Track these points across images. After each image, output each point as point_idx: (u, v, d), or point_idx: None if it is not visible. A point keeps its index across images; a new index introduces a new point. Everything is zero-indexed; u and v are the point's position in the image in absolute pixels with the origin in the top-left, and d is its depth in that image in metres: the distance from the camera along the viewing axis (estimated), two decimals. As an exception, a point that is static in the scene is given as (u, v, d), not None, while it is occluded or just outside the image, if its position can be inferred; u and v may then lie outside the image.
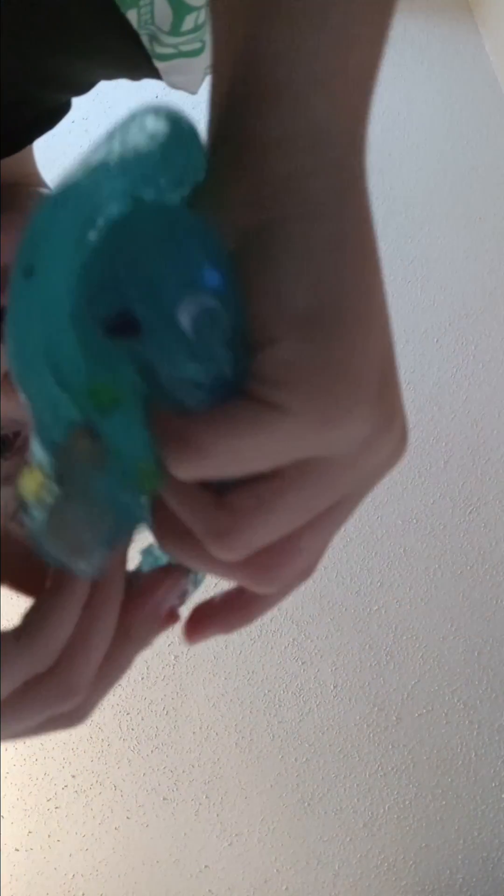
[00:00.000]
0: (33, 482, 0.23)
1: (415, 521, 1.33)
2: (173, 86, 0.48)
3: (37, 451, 0.23)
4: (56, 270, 0.21)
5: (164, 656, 1.21)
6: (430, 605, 1.28)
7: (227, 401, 0.20)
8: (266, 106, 0.21)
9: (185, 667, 1.20)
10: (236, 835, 1.15)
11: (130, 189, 0.21)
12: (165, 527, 0.24)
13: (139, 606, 0.28)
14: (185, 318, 0.20)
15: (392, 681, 1.24)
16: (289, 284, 0.20)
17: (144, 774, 1.16)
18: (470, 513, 1.34)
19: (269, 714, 1.20)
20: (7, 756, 1.14)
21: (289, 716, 1.21)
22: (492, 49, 1.66)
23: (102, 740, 1.16)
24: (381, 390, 0.21)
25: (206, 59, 0.46)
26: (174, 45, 0.44)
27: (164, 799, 1.16)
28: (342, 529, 0.25)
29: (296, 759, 1.19)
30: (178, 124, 0.21)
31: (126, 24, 0.41)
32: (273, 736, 1.20)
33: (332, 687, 1.23)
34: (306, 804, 1.18)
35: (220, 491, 0.22)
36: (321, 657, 1.24)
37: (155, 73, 0.47)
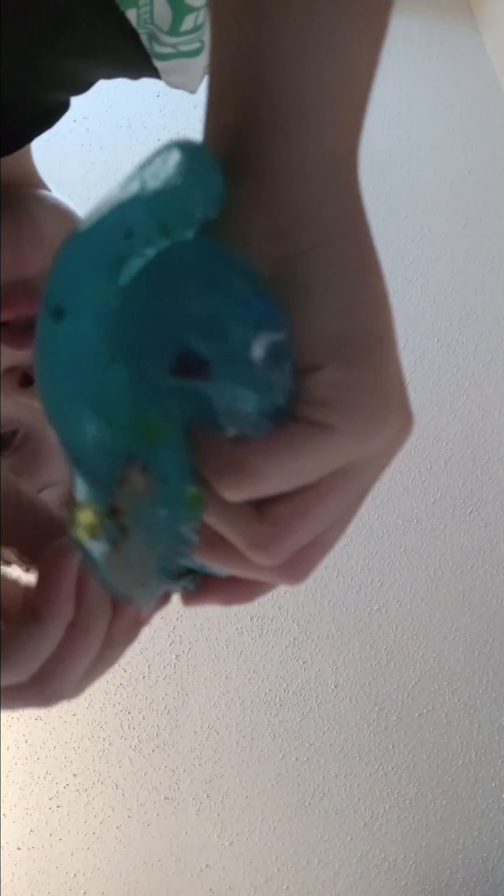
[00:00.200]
0: (86, 520, 0.23)
1: (415, 521, 1.33)
2: (172, 85, 0.49)
3: (81, 489, 0.23)
4: (89, 311, 0.20)
5: (165, 656, 1.21)
6: (430, 605, 1.28)
7: (277, 425, 0.21)
8: (278, 139, 0.22)
9: (186, 666, 1.21)
10: (237, 834, 1.16)
11: (157, 224, 0.21)
12: (204, 540, 0.24)
13: (123, 615, 0.28)
14: (258, 355, 0.20)
15: (392, 681, 1.24)
16: (322, 311, 0.21)
17: (145, 774, 1.16)
18: (470, 513, 1.34)
19: (270, 714, 1.20)
20: (9, 755, 1.15)
21: (289, 715, 1.21)
22: (492, 49, 1.66)
23: (104, 739, 1.17)
24: (405, 397, 0.23)
25: (205, 59, 0.46)
26: (173, 45, 0.44)
27: (166, 798, 1.16)
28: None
29: (296, 759, 1.19)
30: (200, 159, 0.21)
31: (125, 22, 0.41)
32: (273, 735, 1.20)
33: (332, 687, 1.23)
34: (306, 804, 1.18)
35: (256, 502, 0.23)
36: (321, 657, 1.24)
37: (154, 73, 0.47)
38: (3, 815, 1.13)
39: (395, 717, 1.23)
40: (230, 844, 1.15)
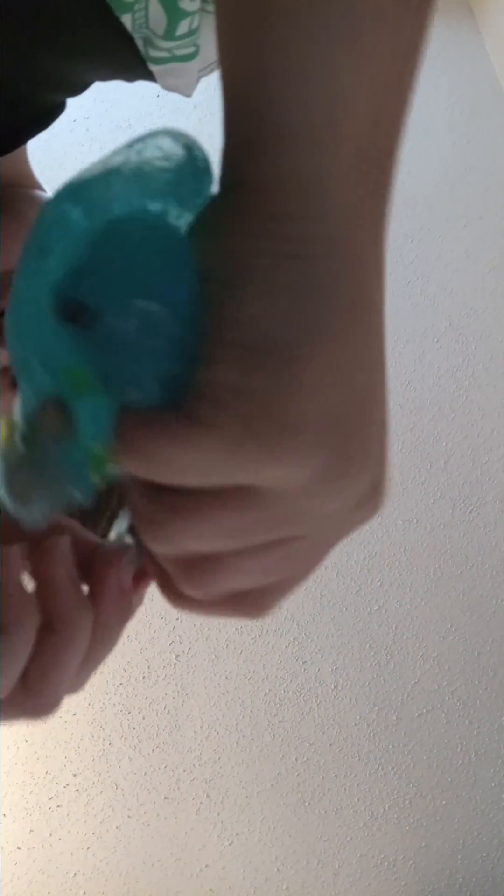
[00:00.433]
0: (3, 432, 0.25)
1: (415, 521, 1.33)
2: (168, 88, 0.49)
3: (16, 411, 0.25)
4: (57, 257, 0.22)
5: (164, 655, 1.21)
6: (430, 605, 1.28)
7: (170, 405, 0.22)
8: (268, 151, 0.22)
9: (185, 666, 1.21)
10: (237, 834, 1.16)
11: (138, 200, 0.22)
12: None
13: (106, 596, 0.28)
14: (126, 317, 0.21)
15: (392, 681, 1.24)
16: (244, 314, 0.20)
17: (145, 773, 1.16)
18: (470, 513, 1.34)
19: (270, 713, 1.20)
20: (8, 755, 1.15)
21: (289, 715, 1.21)
22: (492, 49, 1.66)
23: (104, 739, 1.17)
24: (332, 438, 0.21)
25: (199, 62, 0.46)
26: (168, 49, 0.44)
27: (165, 798, 1.16)
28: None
29: (296, 759, 1.19)
30: (193, 153, 0.22)
31: (121, 26, 0.41)
32: (273, 735, 1.20)
33: (332, 686, 1.23)
34: (306, 804, 1.18)
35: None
36: (321, 657, 1.24)
37: (149, 76, 0.47)
38: (3, 815, 1.13)
39: (394, 717, 1.23)
40: (230, 844, 1.15)
